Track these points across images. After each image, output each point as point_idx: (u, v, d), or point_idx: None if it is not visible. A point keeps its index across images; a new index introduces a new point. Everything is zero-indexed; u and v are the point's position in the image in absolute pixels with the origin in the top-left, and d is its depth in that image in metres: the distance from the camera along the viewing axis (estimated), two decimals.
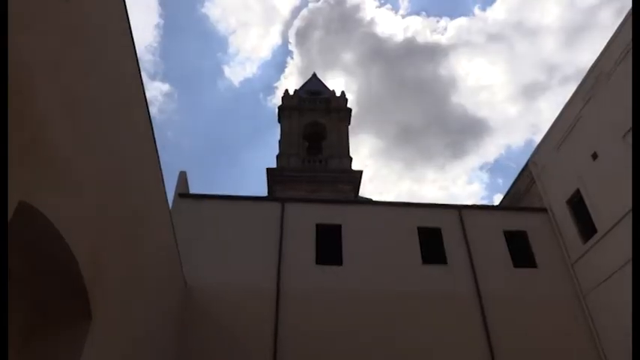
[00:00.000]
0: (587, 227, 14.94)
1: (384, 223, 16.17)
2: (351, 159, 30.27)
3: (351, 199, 24.80)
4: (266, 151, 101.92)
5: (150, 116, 8.77)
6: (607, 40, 14.63)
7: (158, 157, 9.47)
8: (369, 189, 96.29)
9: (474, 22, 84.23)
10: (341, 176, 28.49)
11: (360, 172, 29.03)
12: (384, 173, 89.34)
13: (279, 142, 32.35)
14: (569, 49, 74.59)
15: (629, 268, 12.64)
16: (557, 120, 16.98)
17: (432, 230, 16.20)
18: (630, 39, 13.35)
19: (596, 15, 69.69)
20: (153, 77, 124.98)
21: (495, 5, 78.69)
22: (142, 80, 8.14)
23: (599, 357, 13.49)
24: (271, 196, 25.88)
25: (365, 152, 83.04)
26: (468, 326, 13.95)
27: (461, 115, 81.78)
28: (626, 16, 13.80)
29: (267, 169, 28.94)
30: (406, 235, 15.91)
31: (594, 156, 14.76)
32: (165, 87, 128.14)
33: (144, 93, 8.33)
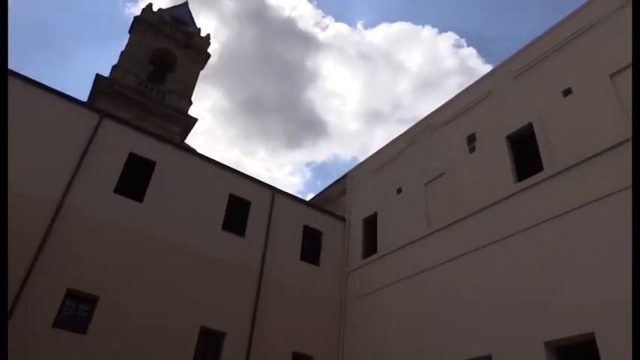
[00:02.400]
0: (370, 246, 16.92)
1: (200, 178, 15.85)
2: (190, 103, 28.95)
3: (176, 142, 23.69)
4: (107, 62, 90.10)
5: None
6: (443, 102, 16.85)
7: None
8: (197, 141, 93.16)
9: (353, 34, 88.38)
10: (175, 115, 27.01)
11: (195, 120, 27.97)
12: (218, 133, 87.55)
13: (122, 53, 29.22)
14: (416, 96, 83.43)
15: (390, 289, 14.72)
16: (383, 149, 18.86)
17: (242, 201, 16.46)
18: (461, 108, 15.59)
19: (445, 79, 79.30)
20: None
21: (377, 29, 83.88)
22: None
23: (337, 358, 15.33)
24: (91, 105, 23.18)
25: (207, 105, 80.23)
26: (240, 299, 14.55)
27: (309, 111, 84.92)
28: (470, 85, 16.00)
29: (97, 75, 25.87)
30: (216, 196, 15.87)
31: (399, 191, 16.79)
32: None
33: None
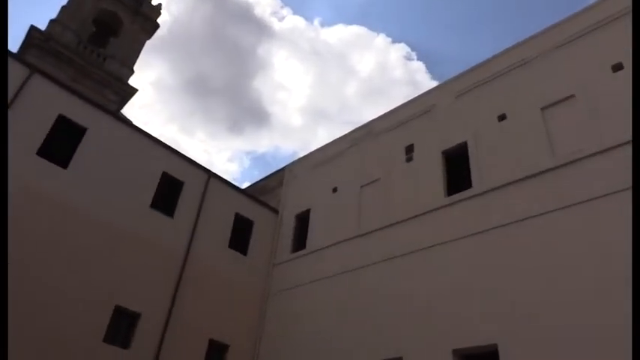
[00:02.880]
0: (300, 241, 17.05)
1: (132, 152, 15.21)
2: (132, 72, 27.64)
3: (111, 110, 22.54)
4: (45, 14, 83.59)
5: None
6: (387, 110, 17.34)
7: None
8: (135, 113, 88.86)
9: (309, 30, 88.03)
10: (113, 82, 25.66)
11: (135, 90, 26.75)
12: (157, 108, 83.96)
13: (62, 8, 27.28)
14: (362, 100, 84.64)
15: (314, 286, 14.93)
16: (323, 148, 19.05)
17: (175, 181, 16.01)
18: (403, 118, 16.09)
19: (392, 88, 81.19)
20: None
21: (333, 29, 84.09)
22: None
23: (254, 350, 15.34)
24: (21, 57, 21.51)
25: (150, 77, 76.72)
26: (161, 281, 14.16)
27: (255, 99, 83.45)
28: (415, 97, 16.53)
29: (32, 27, 24.00)
30: (148, 173, 15.32)
31: (334, 190, 17.04)
32: None
33: None
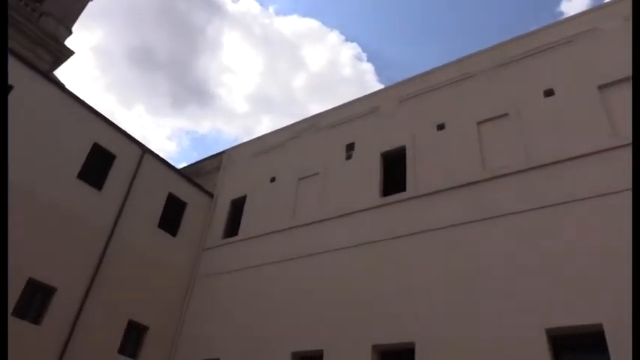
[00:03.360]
0: (233, 228, 16.90)
1: (62, 117, 14.32)
2: (70, 33, 25.94)
3: (43, 70, 21.06)
4: None
5: None
6: (333, 106, 17.59)
7: None
8: (70, 78, 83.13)
9: (263, 16, 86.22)
10: (47, 41, 23.97)
11: (71, 53, 25.14)
12: (95, 75, 79.03)
13: None
14: (309, 94, 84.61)
15: (243, 273, 14.91)
16: (265, 136, 18.96)
17: (106, 153, 15.28)
18: (348, 116, 16.35)
19: (339, 86, 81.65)
20: None
21: (288, 18, 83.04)
22: None
23: (174, 334, 15.07)
24: None
25: (90, 42, 72.09)
26: (82, 255, 13.51)
27: (200, 78, 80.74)
28: (361, 97, 16.80)
29: None
30: (78, 142, 14.49)
31: (272, 180, 17.03)
32: None
33: None
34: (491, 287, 10.03)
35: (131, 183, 15.56)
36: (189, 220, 17.14)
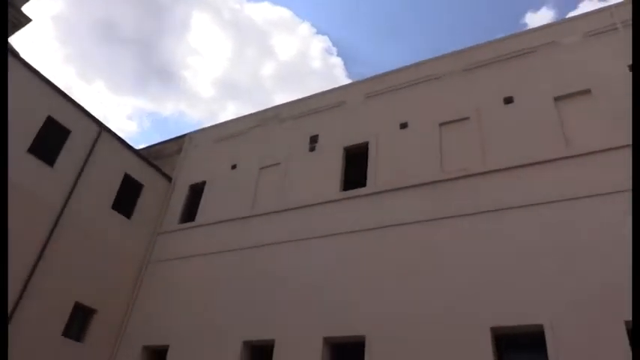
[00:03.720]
0: (190, 213, 16.64)
1: (14, 88, 13.55)
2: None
3: None
4: None
5: None
6: (297, 97, 17.51)
7: None
8: (25, 46, 78.87)
9: (234, 0, 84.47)
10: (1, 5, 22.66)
11: (28, 20, 23.86)
12: (54, 45, 75.27)
13: None
14: (277, 84, 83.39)
15: (197, 260, 14.73)
16: (229, 122, 18.72)
17: (61, 128, 14.65)
18: (313, 108, 16.36)
19: (308, 78, 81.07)
20: None
21: (260, 5, 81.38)
22: None
23: (123, 318, 14.75)
24: None
25: (51, 11, 68.56)
26: (29, 233, 12.93)
27: (165, 59, 78.08)
28: (328, 90, 16.82)
29: None
30: (30, 115, 13.83)
31: (234, 167, 16.85)
32: None
33: None
34: (441, 285, 10.31)
35: (86, 161, 15.02)
36: (145, 203, 16.74)
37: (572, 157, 10.63)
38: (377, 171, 13.42)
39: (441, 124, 13.22)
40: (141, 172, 16.97)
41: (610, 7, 12.58)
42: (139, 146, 19.94)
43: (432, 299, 10.23)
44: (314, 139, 15.62)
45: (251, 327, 12.23)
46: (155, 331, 13.88)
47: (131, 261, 15.58)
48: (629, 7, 12.03)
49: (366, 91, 15.63)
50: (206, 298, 13.60)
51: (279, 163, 15.64)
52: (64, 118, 14.79)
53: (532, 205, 10.41)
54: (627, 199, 8.87)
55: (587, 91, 11.49)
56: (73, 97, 15.34)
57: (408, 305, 10.41)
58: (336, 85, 17.01)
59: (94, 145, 15.42)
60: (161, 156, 19.42)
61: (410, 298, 10.50)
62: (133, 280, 15.42)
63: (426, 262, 10.85)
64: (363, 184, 13.44)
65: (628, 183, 8.90)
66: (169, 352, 13.14)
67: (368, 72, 79.96)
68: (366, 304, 10.97)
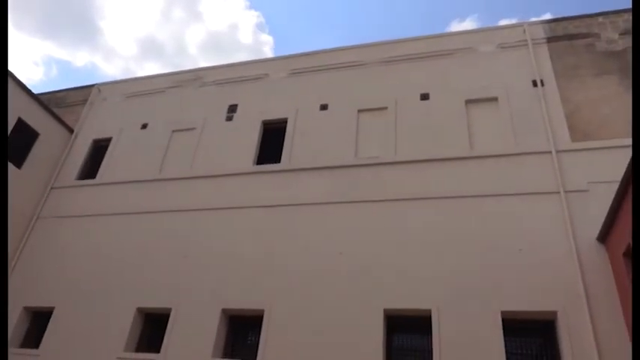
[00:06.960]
0: (91, 170, 15.65)
1: None
2: None
3: None
4: None
5: None
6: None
7: None
8: None
9: None
10: None
11: None
12: None
13: None
14: (202, 51, 78.70)
15: (93, 220, 13.92)
16: (144, 79, 17.75)
17: None
18: (235, 76, 15.98)
19: (236, 52, 77.87)
20: None
21: None
22: None
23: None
24: None
25: None
26: None
27: (84, 7, 69.31)
28: (252, 60, 16.44)
29: None
30: None
31: (144, 126, 16.01)
32: None
33: None
34: (342, 267, 10.71)
35: None
36: (40, 153, 15.39)
37: (473, 157, 11.47)
38: (292, 149, 13.47)
39: (360, 111, 13.53)
40: (38, 119, 15.52)
41: (523, 23, 13.57)
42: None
43: (332, 279, 10.59)
44: (232, 109, 15.28)
45: (147, 294, 11.86)
46: (40, 291, 12.98)
47: (18, 214, 14.30)
48: (541, 27, 13.14)
49: (291, 67, 15.52)
50: (100, 262, 12.92)
51: (194, 129, 15.10)
52: None
53: (433, 198, 11.11)
54: (518, 201, 10.09)
55: (494, 99, 12.39)
56: None
57: (308, 284, 10.70)
58: None
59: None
60: (63, 104, 17.88)
61: (310, 277, 10.78)
62: (19, 235, 14.20)
63: (328, 244, 11.15)
64: (278, 161, 13.43)
65: (519, 186, 10.18)
66: (54, 315, 12.36)
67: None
68: (267, 278, 11.09)
